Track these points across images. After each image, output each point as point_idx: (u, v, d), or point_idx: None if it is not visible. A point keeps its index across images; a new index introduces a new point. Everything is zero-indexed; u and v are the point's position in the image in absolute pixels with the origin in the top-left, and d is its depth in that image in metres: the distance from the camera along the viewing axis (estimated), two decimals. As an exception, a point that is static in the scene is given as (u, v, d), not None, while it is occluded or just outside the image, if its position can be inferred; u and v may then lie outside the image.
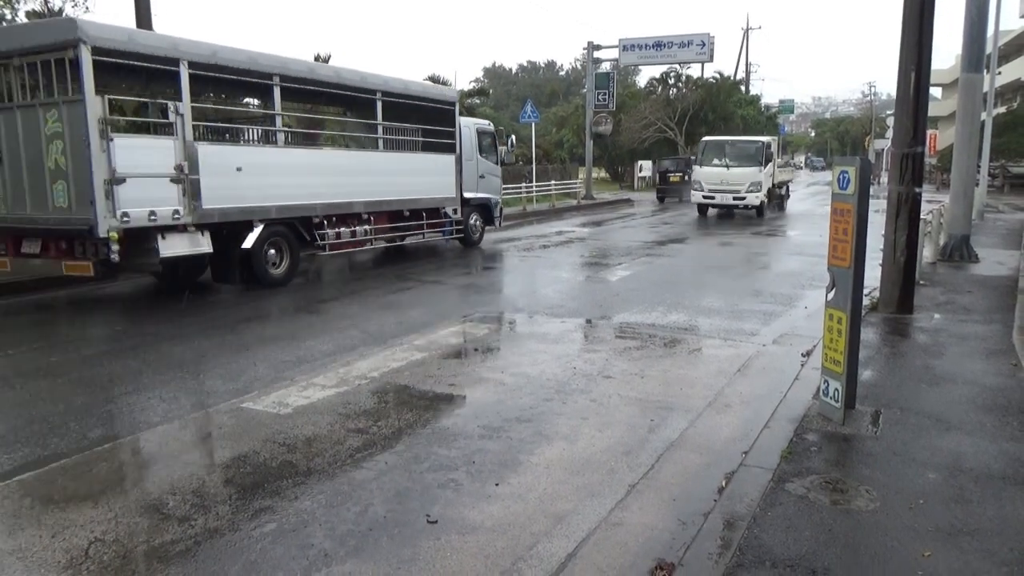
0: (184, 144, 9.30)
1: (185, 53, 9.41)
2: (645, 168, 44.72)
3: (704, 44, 31.03)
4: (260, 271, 10.55)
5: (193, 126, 9.50)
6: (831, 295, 4.82)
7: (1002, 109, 38.30)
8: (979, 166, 18.70)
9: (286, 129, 11.79)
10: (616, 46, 31.74)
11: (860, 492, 3.87)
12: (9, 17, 16.92)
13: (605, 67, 33.23)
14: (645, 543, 3.58)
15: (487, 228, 16.44)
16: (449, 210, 14.65)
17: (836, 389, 4.81)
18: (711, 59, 32.82)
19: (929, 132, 29.89)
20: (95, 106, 8.32)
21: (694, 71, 43.64)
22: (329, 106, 14.58)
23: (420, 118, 13.93)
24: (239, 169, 10.07)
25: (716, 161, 22.84)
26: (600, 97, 31.33)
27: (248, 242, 10.28)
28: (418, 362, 6.72)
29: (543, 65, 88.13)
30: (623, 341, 7.54)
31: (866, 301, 7.84)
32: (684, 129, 40.59)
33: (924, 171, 9.75)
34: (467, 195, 15.14)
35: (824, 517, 3.61)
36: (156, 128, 9.69)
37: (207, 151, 9.70)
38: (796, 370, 6.18)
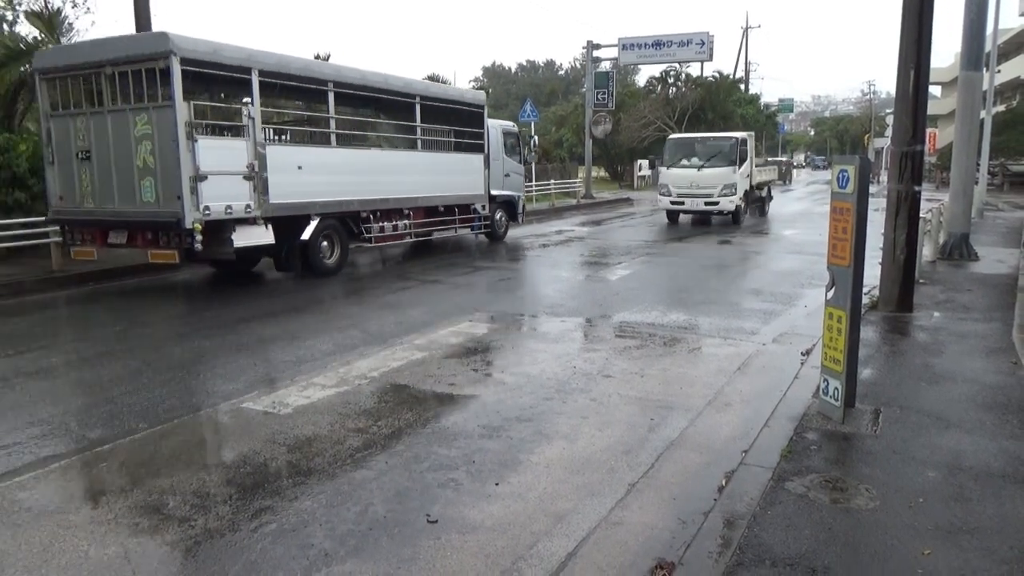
0: (255, 145, 10.26)
1: (257, 62, 10.37)
2: (645, 167, 44.68)
3: (703, 43, 31.00)
4: (315, 261, 11.53)
5: (262, 128, 10.45)
6: (830, 294, 4.82)
7: (1002, 107, 38.27)
8: (979, 164, 18.71)
9: (339, 131, 12.69)
10: (615, 45, 31.72)
11: (860, 491, 3.87)
12: (10, 18, 16.88)
13: (604, 66, 33.21)
14: (645, 542, 3.58)
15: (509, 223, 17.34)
16: (478, 206, 15.63)
17: (836, 388, 4.81)
18: (710, 58, 32.81)
19: (928, 130, 29.85)
20: (183, 111, 9.23)
21: (693, 70, 43.69)
22: (372, 109, 15.54)
23: (453, 120, 14.96)
24: (300, 167, 11.03)
25: (685, 161, 20.54)
26: (599, 96, 31.31)
27: (306, 234, 11.23)
28: (418, 361, 6.72)
29: (542, 64, 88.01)
30: (623, 340, 7.54)
31: (866, 300, 7.84)
32: (684, 128, 40.52)
33: (924, 169, 9.75)
34: (494, 192, 16.10)
35: (824, 516, 3.61)
36: (232, 130, 10.53)
37: (274, 151, 10.71)
38: (796, 369, 6.19)
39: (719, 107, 42.57)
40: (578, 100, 44.40)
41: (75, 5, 17.03)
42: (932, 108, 29.56)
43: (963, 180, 12.42)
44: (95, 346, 7.48)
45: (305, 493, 4.08)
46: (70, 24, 16.74)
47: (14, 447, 4.76)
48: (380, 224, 12.89)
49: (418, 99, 13.67)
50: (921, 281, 9.70)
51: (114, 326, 8.52)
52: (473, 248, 15.62)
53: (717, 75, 45.38)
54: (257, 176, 10.23)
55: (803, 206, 28.59)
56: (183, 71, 9.22)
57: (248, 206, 10.15)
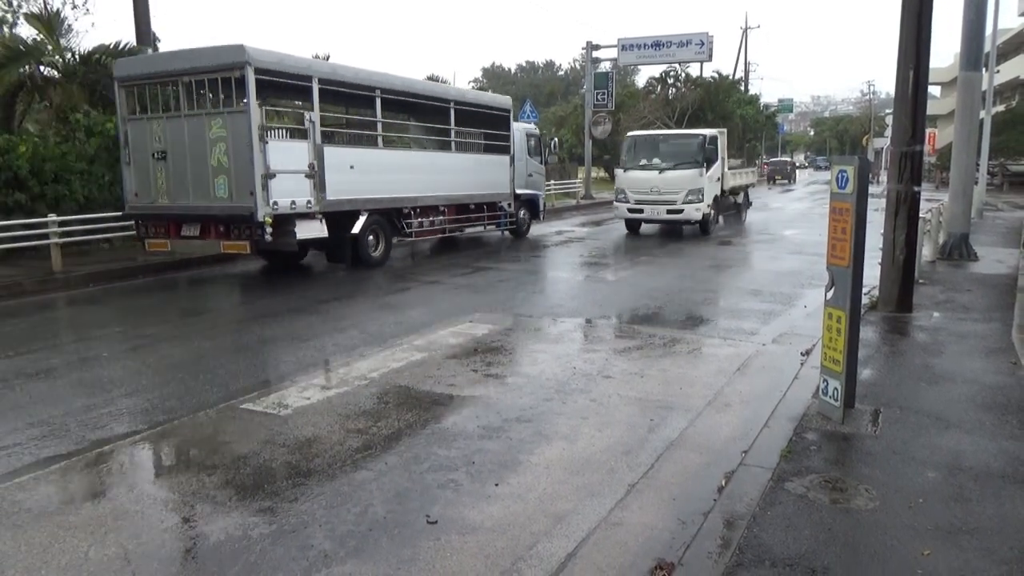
0: (314, 146, 11.14)
1: (316, 71, 11.47)
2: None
3: (703, 43, 30.97)
4: (363, 254, 12.45)
5: (321, 131, 11.33)
6: (830, 294, 4.82)
7: (1001, 107, 38.27)
8: (978, 164, 18.70)
9: (386, 133, 13.78)
10: (615, 46, 31.69)
11: (860, 491, 3.87)
12: (10, 20, 16.88)
13: (604, 67, 33.19)
14: (645, 543, 3.58)
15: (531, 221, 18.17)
16: (504, 204, 16.55)
17: (835, 388, 4.81)
18: (710, 58, 32.75)
19: (928, 130, 29.89)
20: (256, 115, 10.08)
21: (693, 70, 43.58)
22: (410, 113, 16.22)
23: (482, 123, 15.92)
24: (352, 167, 11.91)
25: (645, 163, 17.84)
26: (599, 97, 31.28)
27: (355, 228, 12.10)
28: (418, 362, 6.72)
29: (542, 65, 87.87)
30: (623, 341, 7.54)
31: (865, 300, 7.84)
32: (684, 128, 40.52)
33: (923, 169, 9.76)
34: (518, 191, 16.97)
35: (824, 516, 3.61)
36: (295, 133, 11.51)
37: (330, 152, 11.56)
38: (795, 369, 6.19)
39: (719, 107, 42.47)
40: (577, 101, 44.32)
41: (75, 7, 17.03)
42: (932, 108, 29.59)
43: (963, 180, 12.42)
44: (94, 347, 7.47)
45: (305, 494, 4.08)
46: (69, 26, 16.74)
47: (14, 448, 4.76)
48: (419, 220, 13.81)
49: (452, 104, 14.70)
50: (921, 281, 9.70)
51: (114, 327, 8.52)
52: (475, 248, 15.63)
53: (717, 75, 45.26)
54: (316, 174, 11.09)
55: (803, 206, 28.60)
56: (255, 79, 10.03)
57: (309, 201, 11.04)
